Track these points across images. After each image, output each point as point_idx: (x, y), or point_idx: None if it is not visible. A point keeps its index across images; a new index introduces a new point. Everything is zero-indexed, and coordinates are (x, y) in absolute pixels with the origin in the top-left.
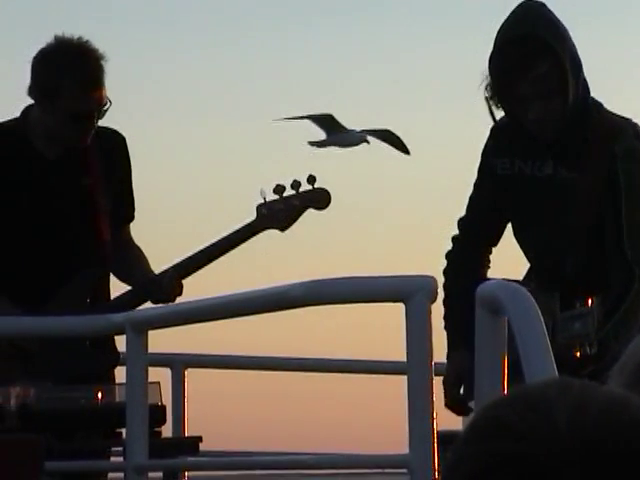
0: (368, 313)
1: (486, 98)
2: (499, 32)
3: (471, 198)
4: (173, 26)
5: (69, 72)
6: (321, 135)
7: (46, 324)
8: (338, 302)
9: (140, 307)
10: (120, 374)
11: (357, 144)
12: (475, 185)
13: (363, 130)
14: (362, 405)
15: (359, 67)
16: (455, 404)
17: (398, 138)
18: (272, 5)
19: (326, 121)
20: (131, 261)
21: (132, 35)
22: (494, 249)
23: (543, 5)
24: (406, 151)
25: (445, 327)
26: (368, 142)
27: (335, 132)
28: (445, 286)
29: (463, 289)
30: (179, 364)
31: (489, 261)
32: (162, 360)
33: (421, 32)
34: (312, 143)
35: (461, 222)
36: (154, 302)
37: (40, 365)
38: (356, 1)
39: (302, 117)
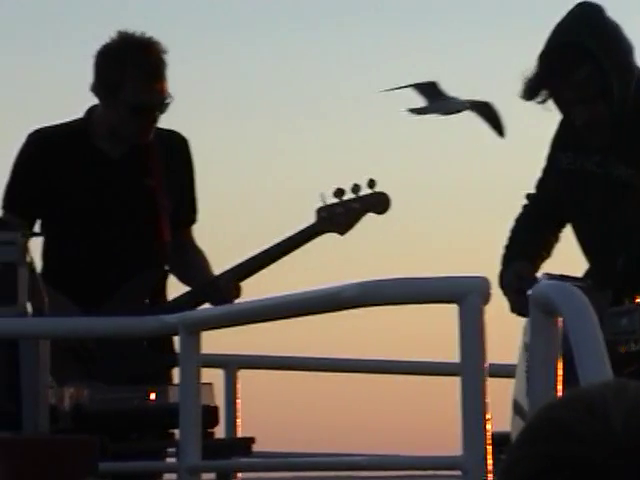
0: (422, 314)
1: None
2: (549, 35)
3: (539, 180)
4: (232, 26)
5: (131, 64)
6: (422, 103)
7: (100, 325)
8: (392, 303)
9: None
10: (176, 375)
11: (458, 111)
12: (543, 170)
13: (465, 100)
14: (415, 406)
15: (414, 65)
16: (522, 307)
17: (497, 115)
18: (328, 3)
19: (429, 88)
20: (191, 263)
21: (192, 36)
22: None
23: (596, 9)
24: (501, 131)
25: (505, 248)
26: (470, 109)
27: (437, 99)
28: (510, 235)
29: (527, 232)
30: (232, 365)
31: (557, 238)
32: (215, 361)
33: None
34: (412, 110)
35: (530, 196)
36: (213, 304)
37: (98, 366)
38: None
39: (406, 86)
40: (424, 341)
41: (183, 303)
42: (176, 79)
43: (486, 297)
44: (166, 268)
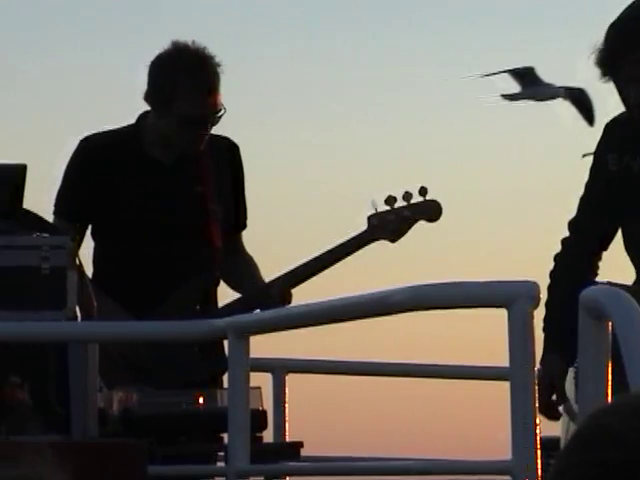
0: (470, 318)
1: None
2: (624, 8)
3: (582, 199)
4: (276, 29)
5: (185, 76)
6: (516, 89)
7: (149, 329)
8: (441, 307)
9: None
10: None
11: (551, 98)
12: (586, 186)
13: (560, 87)
14: (464, 411)
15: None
16: (547, 409)
17: (590, 103)
18: (402, 9)
19: (524, 74)
20: (242, 269)
21: (240, 40)
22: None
23: None
24: (591, 120)
25: (543, 329)
26: (564, 97)
27: (531, 85)
28: (550, 288)
29: (567, 292)
30: (280, 369)
31: (598, 267)
32: (263, 365)
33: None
34: (505, 96)
35: (571, 224)
36: (263, 310)
37: (148, 371)
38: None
39: (501, 72)
40: (473, 345)
41: (234, 310)
42: (229, 85)
43: (535, 302)
44: (217, 274)
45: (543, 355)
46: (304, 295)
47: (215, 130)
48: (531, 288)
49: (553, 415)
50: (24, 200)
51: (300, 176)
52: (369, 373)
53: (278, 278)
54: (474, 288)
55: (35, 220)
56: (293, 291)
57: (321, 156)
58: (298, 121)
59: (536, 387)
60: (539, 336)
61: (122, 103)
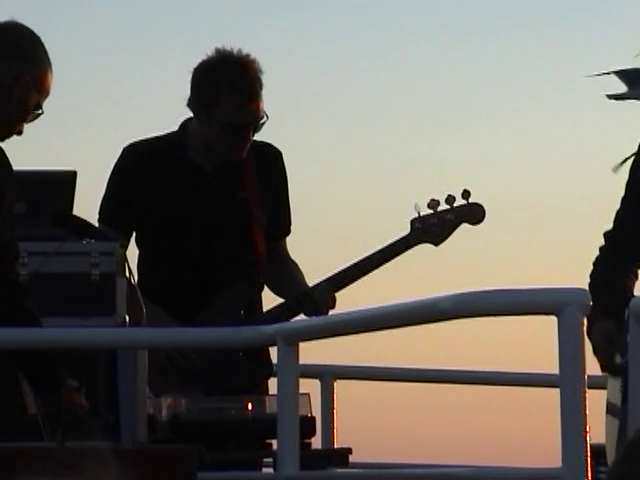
0: (519, 325)
1: None
2: None
3: (618, 213)
4: (327, 41)
5: (227, 82)
6: (622, 89)
7: (197, 335)
8: (489, 314)
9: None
10: (272, 385)
11: None
12: (622, 200)
13: None
14: (513, 417)
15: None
16: (611, 365)
17: None
18: (438, 18)
19: (632, 74)
20: (285, 275)
21: (287, 46)
22: None
23: None
24: None
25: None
26: None
27: (638, 86)
28: (590, 285)
29: (608, 283)
30: (328, 375)
31: (636, 276)
32: (312, 372)
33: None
34: (610, 96)
35: (607, 234)
36: (307, 315)
37: (194, 377)
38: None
39: (609, 72)
40: (524, 352)
41: (278, 314)
42: (276, 92)
43: (585, 309)
44: (261, 280)
45: (591, 324)
46: (349, 300)
47: (260, 137)
48: (581, 295)
49: (618, 371)
50: (74, 206)
51: (342, 182)
52: (417, 380)
53: (321, 282)
54: (523, 296)
55: (85, 226)
56: (337, 295)
57: (363, 160)
58: (341, 127)
59: (586, 394)
60: (589, 343)
61: (165, 110)
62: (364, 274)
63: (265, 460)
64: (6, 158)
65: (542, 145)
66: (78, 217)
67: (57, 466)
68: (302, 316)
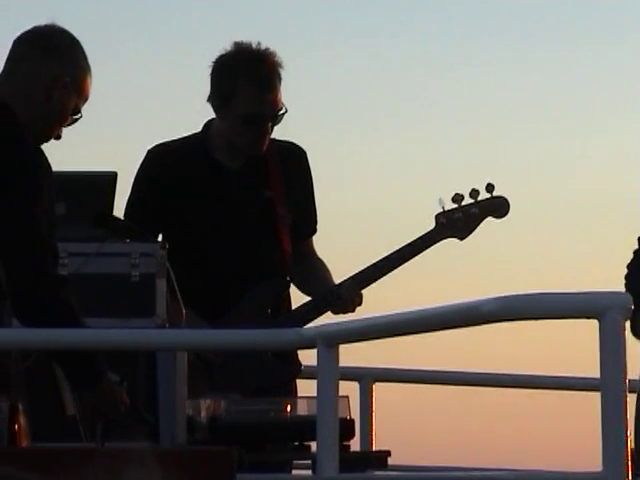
0: (560, 328)
1: None
2: None
3: None
4: (345, 35)
5: (245, 74)
6: None
7: (237, 337)
8: (531, 318)
9: (319, 319)
10: (308, 387)
11: None
12: None
13: None
14: (553, 421)
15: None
16: None
17: None
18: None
19: None
20: (312, 273)
21: (313, 47)
22: None
23: None
24: None
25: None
26: None
27: None
28: (625, 287)
29: None
30: (367, 378)
31: None
32: (350, 374)
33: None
34: None
35: None
36: (334, 313)
37: (224, 377)
38: None
39: None
40: (564, 355)
41: (305, 313)
42: (306, 93)
43: (626, 312)
44: (288, 278)
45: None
46: (376, 296)
47: (285, 136)
48: (623, 299)
49: None
50: (114, 207)
51: (367, 177)
52: (456, 382)
53: (347, 279)
54: (565, 299)
55: (125, 227)
56: (363, 292)
57: (387, 155)
58: (366, 124)
59: (627, 398)
60: (630, 345)
61: (190, 111)
62: (390, 270)
63: (303, 462)
64: (46, 158)
65: (575, 143)
66: (118, 218)
67: (100, 470)
68: (335, 316)
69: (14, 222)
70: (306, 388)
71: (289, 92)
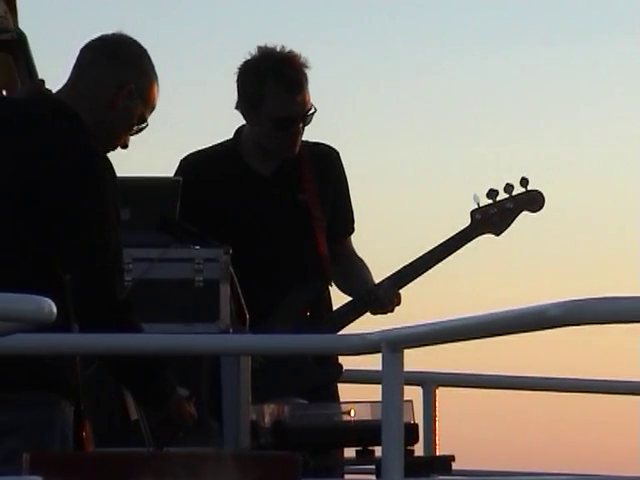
0: (615, 333)
1: None
2: None
3: None
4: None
5: (272, 77)
6: None
7: (301, 342)
8: (597, 322)
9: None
10: (371, 392)
11: None
12: None
13: None
14: (616, 426)
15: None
16: None
17: None
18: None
19: None
20: (351, 273)
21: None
22: None
23: None
24: None
25: None
26: None
27: None
28: None
29: None
30: (430, 383)
31: None
32: (413, 379)
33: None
34: None
35: None
36: (373, 313)
37: (265, 380)
38: None
39: None
40: (625, 360)
41: (344, 314)
42: (343, 100)
43: None
44: (327, 280)
45: None
46: (415, 295)
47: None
48: None
49: None
50: (177, 213)
51: (402, 175)
52: (519, 387)
53: (386, 279)
54: (632, 304)
55: (189, 233)
56: (402, 291)
57: (423, 154)
58: (397, 124)
59: None
60: None
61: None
62: (427, 269)
63: (367, 467)
64: (111, 165)
65: (608, 140)
66: (182, 223)
67: (178, 469)
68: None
69: (84, 247)
70: (366, 393)
71: (321, 94)
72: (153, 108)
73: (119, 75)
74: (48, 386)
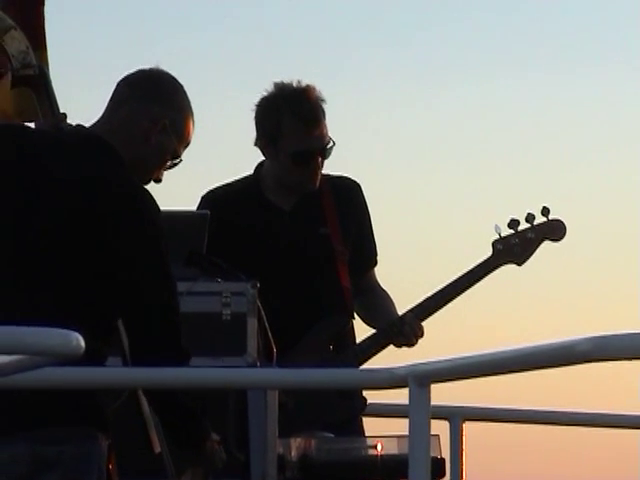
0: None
1: None
2: None
3: None
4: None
5: (288, 111)
6: None
7: (329, 376)
8: (626, 358)
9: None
10: (395, 425)
11: None
12: None
13: None
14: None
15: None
16: None
17: None
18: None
19: None
20: (374, 306)
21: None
22: None
23: None
24: None
25: None
26: None
27: None
28: None
29: None
30: (457, 417)
31: None
32: (440, 413)
33: None
34: None
35: None
36: (397, 346)
37: (290, 414)
38: None
39: None
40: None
41: (368, 347)
42: (358, 127)
43: None
44: (349, 313)
45: None
46: (438, 326)
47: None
48: None
49: None
50: (205, 247)
51: (420, 209)
52: (547, 422)
53: (408, 312)
54: None
55: (216, 267)
56: (425, 323)
57: (441, 185)
58: (417, 154)
59: None
60: None
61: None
62: (449, 300)
63: None
64: (152, 197)
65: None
66: (210, 257)
67: None
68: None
69: (151, 305)
70: (390, 426)
71: (341, 127)
72: (188, 144)
73: (153, 110)
74: (88, 420)
